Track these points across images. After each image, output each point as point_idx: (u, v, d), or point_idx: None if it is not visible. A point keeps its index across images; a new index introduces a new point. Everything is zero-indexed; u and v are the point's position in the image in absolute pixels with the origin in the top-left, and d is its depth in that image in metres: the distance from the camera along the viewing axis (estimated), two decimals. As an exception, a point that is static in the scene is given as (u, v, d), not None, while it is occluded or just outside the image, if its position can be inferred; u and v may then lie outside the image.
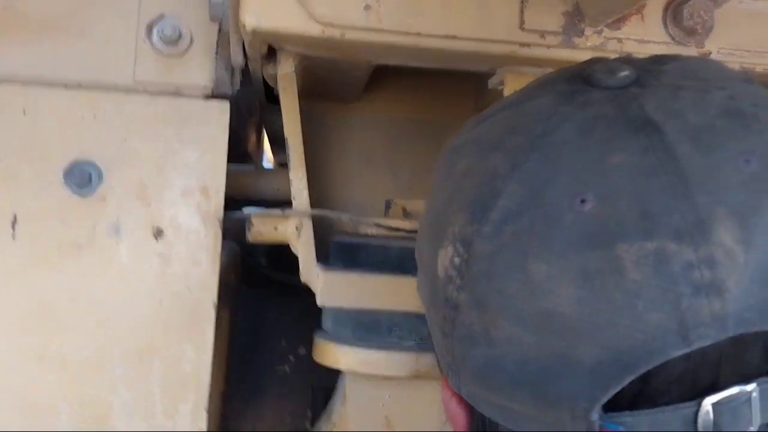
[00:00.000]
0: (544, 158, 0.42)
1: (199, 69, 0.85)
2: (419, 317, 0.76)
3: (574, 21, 0.70)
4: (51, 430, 0.82)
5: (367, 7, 0.68)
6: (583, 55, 0.71)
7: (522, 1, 0.69)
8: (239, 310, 1.09)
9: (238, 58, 0.80)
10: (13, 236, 0.82)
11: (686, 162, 0.40)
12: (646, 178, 0.39)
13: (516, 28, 0.70)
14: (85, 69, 0.85)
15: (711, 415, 0.39)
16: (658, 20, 0.71)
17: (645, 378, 0.39)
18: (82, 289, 0.83)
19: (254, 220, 0.82)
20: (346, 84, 0.92)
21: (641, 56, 0.66)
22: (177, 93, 0.86)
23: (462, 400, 0.47)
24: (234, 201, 0.93)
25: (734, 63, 0.73)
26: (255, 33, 0.68)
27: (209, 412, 0.85)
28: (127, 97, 0.85)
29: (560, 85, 0.47)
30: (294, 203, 0.82)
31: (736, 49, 0.72)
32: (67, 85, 0.84)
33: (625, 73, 0.45)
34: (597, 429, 0.39)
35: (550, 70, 0.54)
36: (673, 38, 0.71)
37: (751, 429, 0.39)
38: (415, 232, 0.55)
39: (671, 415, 0.39)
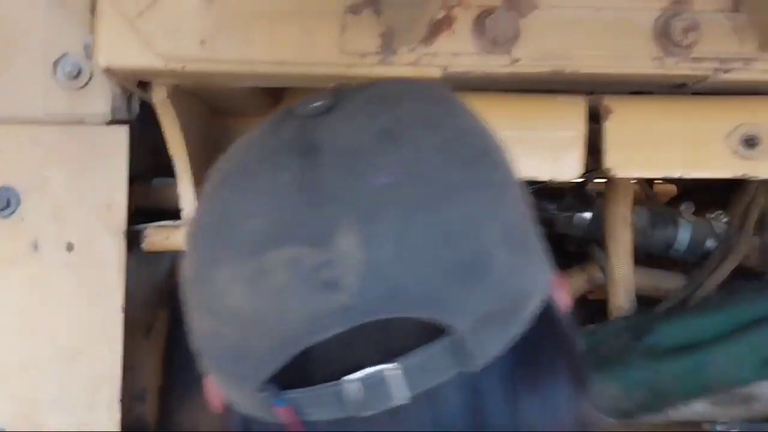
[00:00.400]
0: (232, 184, 0.51)
1: (99, 99, 0.96)
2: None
3: (389, 41, 0.78)
4: (-18, 424, 0.94)
5: (203, 42, 0.77)
6: (401, 71, 0.79)
7: (342, 27, 0.77)
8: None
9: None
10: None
11: (329, 180, 0.47)
12: (294, 195, 0.47)
13: (337, 51, 0.78)
14: (2, 105, 0.97)
15: (352, 393, 0.46)
16: (468, 33, 0.79)
17: (304, 361, 0.47)
18: (10, 299, 0.95)
19: (149, 232, 0.93)
20: (242, 100, 1.02)
21: (453, 68, 0.75)
22: (81, 122, 0.96)
23: None
24: (160, 212, 1.04)
25: (544, 67, 0.80)
26: (109, 70, 0.78)
27: (146, 405, 0.96)
28: (39, 128, 0.96)
29: (276, 116, 0.55)
30: (182, 213, 0.92)
31: (544, 55, 0.79)
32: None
33: (317, 103, 0.53)
34: (269, 404, 0.48)
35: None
36: (482, 49, 0.78)
37: (393, 403, 0.46)
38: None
39: (323, 392, 0.46)
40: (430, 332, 0.47)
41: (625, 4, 0.79)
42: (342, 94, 0.54)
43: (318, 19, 0.77)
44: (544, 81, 0.83)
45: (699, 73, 0.81)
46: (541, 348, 0.52)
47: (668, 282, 1.21)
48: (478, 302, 0.47)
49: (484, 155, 0.52)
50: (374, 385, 0.46)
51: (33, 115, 0.96)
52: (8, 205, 0.96)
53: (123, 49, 0.78)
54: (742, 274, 1.14)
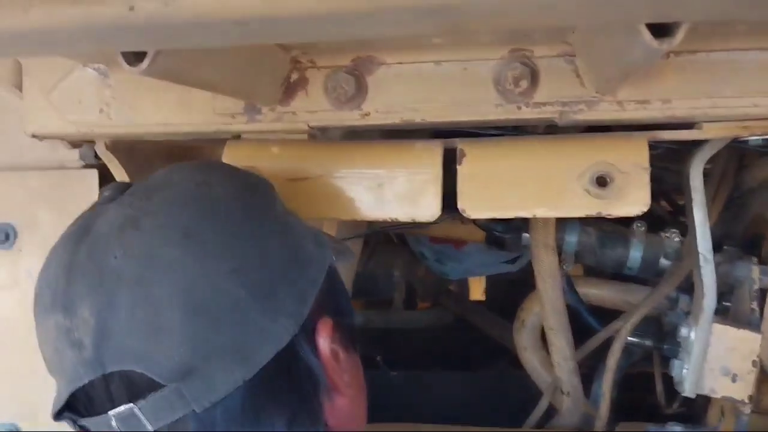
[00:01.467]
0: (47, 257, 0.68)
1: (77, 152, 1.13)
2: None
3: (251, 104, 0.87)
4: None
5: (101, 110, 0.91)
6: (270, 127, 0.89)
7: (213, 95, 0.88)
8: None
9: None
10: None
11: (82, 259, 0.62)
12: (62, 272, 0.63)
13: (212, 113, 0.89)
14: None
15: (114, 424, 0.62)
16: (320, 92, 0.86)
17: (86, 398, 0.63)
18: (12, 316, 1.15)
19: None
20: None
21: (314, 123, 0.84)
22: (61, 167, 1.14)
23: None
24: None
25: (394, 119, 0.86)
26: (35, 136, 0.94)
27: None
28: (28, 173, 1.15)
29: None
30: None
31: (392, 108, 0.85)
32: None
33: (106, 193, 0.69)
34: (74, 427, 0.65)
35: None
36: (334, 106, 0.86)
37: None
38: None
39: (98, 421, 0.63)
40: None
41: (465, 56, 0.83)
42: (131, 186, 0.69)
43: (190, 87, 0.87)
44: (401, 130, 0.89)
45: (544, 116, 0.83)
46: (272, 393, 0.64)
47: (631, 295, 1.21)
48: (171, 358, 0.60)
49: (193, 236, 0.63)
50: (128, 419, 0.62)
51: (22, 162, 1.15)
52: (7, 238, 1.15)
53: (43, 118, 0.93)
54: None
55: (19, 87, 0.95)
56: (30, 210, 1.15)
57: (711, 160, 1.12)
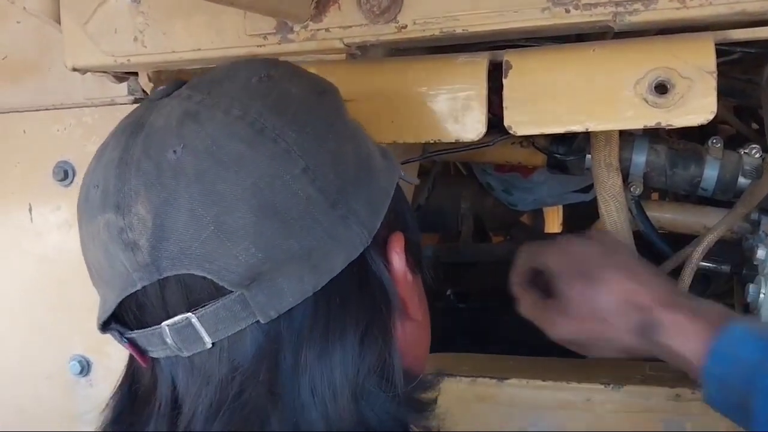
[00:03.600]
0: (95, 156, 0.62)
1: (125, 86, 1.12)
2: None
3: (283, 22, 0.83)
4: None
5: (135, 38, 0.89)
6: (302, 47, 0.85)
7: (243, 13, 0.85)
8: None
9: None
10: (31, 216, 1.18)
11: (137, 156, 0.57)
12: (114, 169, 0.58)
13: (243, 35, 0.86)
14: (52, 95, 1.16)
15: (169, 336, 0.57)
16: (353, 5, 0.82)
17: (137, 307, 0.59)
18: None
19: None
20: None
21: (349, 40, 0.80)
22: (113, 103, 1.14)
23: None
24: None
25: (434, 30, 0.80)
26: (75, 69, 0.93)
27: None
28: (81, 110, 1.15)
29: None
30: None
31: (430, 19, 0.80)
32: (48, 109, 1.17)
33: (161, 87, 0.63)
34: (121, 340, 0.60)
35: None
36: (369, 20, 0.81)
37: (205, 345, 0.57)
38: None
39: (149, 334, 0.59)
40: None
41: (507, -45, 0.77)
42: (187, 82, 0.63)
43: (223, 8, 0.84)
44: (442, 42, 0.83)
45: (595, 19, 0.76)
46: (343, 306, 0.59)
47: (707, 218, 1.13)
48: (235, 261, 0.55)
49: (263, 131, 0.57)
50: (183, 329, 0.57)
51: (75, 100, 1.15)
52: (66, 176, 1.17)
53: (81, 51, 0.92)
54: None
55: (59, 20, 0.94)
56: (87, 147, 1.15)
57: (796, 67, 1.02)
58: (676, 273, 1.04)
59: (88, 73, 1.12)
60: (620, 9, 0.75)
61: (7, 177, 1.17)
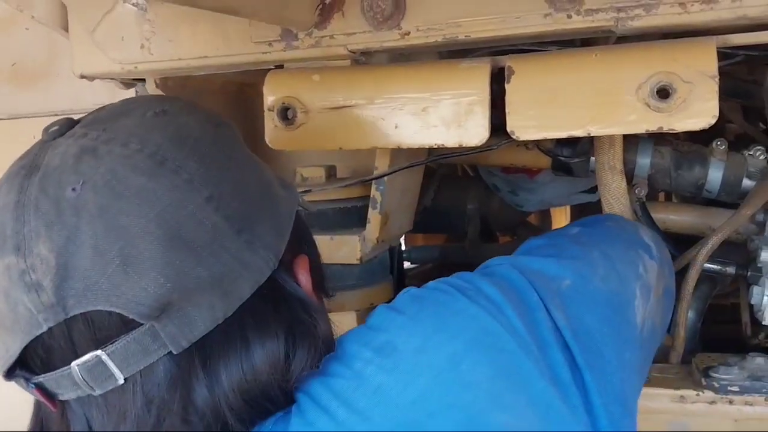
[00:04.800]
0: None
1: (133, 92, 1.13)
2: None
3: (288, 30, 0.84)
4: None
5: (142, 46, 0.90)
6: (307, 54, 0.86)
7: (249, 20, 0.86)
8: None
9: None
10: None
11: (33, 195, 0.56)
12: (11, 211, 0.57)
13: (249, 42, 0.87)
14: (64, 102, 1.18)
15: (78, 376, 0.56)
16: (357, 12, 0.82)
17: (44, 351, 0.57)
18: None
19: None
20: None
21: (352, 47, 0.81)
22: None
23: None
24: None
25: (436, 37, 0.81)
26: (83, 77, 0.94)
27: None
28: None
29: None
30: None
31: (433, 25, 0.81)
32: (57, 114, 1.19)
33: (54, 128, 0.61)
34: (27, 387, 0.59)
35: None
36: (372, 27, 0.82)
37: (117, 382, 0.56)
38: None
39: (59, 376, 0.57)
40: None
41: (509, -38, 0.77)
42: (81, 119, 0.63)
43: (229, 16, 0.85)
44: (445, 48, 0.84)
45: (597, 24, 0.76)
46: (258, 327, 0.59)
47: (712, 219, 1.13)
48: (144, 293, 0.55)
49: (163, 163, 0.58)
50: (94, 368, 0.56)
51: (84, 106, 1.16)
52: (75, 181, 1.18)
53: (89, 58, 0.93)
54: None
55: (67, 29, 0.95)
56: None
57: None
58: (681, 274, 1.05)
59: (97, 80, 1.14)
60: (622, 14, 0.75)
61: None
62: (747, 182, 1.06)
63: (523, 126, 0.81)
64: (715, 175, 1.07)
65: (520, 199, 1.56)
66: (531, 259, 0.74)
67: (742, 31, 0.79)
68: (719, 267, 1.08)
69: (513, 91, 0.81)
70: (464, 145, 0.84)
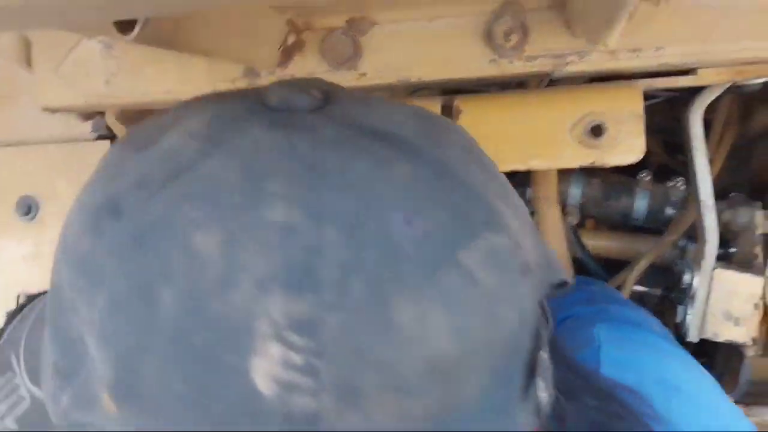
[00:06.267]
0: None
1: (89, 124, 1.16)
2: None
3: (251, 68, 0.89)
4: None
5: (107, 81, 0.94)
6: (268, 91, 0.91)
7: (208, 59, 0.90)
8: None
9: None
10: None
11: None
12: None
13: (211, 79, 0.91)
14: (17, 132, 1.20)
15: None
16: (317, 54, 0.88)
17: None
18: (41, 284, 1.20)
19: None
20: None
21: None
22: (76, 140, 1.17)
23: None
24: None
25: (390, 78, 0.87)
26: (47, 109, 0.97)
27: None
28: (46, 147, 1.18)
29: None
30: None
31: (387, 67, 0.87)
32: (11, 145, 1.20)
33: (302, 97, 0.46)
34: None
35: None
36: (331, 67, 0.88)
37: None
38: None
39: None
40: None
41: (456, 11, 0.84)
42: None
43: (189, 54, 0.90)
44: (399, 88, 0.90)
45: (537, 69, 0.84)
46: None
47: (639, 245, 1.22)
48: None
49: None
50: None
51: (38, 136, 1.19)
52: (30, 210, 1.20)
53: (53, 91, 0.96)
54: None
55: (29, 63, 0.98)
56: (50, 182, 1.18)
57: (715, 109, 1.12)
58: (612, 296, 1.13)
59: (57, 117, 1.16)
60: (558, 60, 0.83)
61: (-30, 211, 1.19)
62: (669, 210, 1.16)
63: (470, 160, 0.88)
64: (641, 204, 1.16)
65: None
66: None
67: (664, 76, 0.88)
68: (647, 289, 1.18)
69: (461, 128, 0.88)
70: (416, 178, 0.90)
